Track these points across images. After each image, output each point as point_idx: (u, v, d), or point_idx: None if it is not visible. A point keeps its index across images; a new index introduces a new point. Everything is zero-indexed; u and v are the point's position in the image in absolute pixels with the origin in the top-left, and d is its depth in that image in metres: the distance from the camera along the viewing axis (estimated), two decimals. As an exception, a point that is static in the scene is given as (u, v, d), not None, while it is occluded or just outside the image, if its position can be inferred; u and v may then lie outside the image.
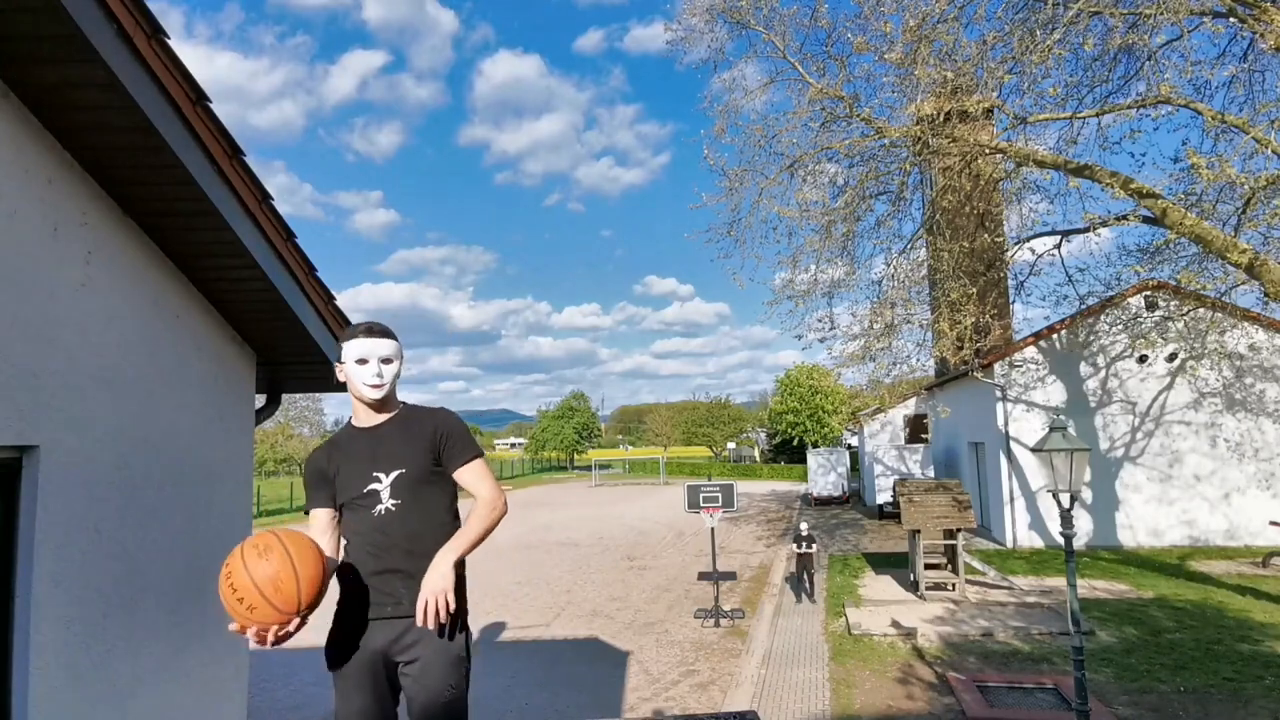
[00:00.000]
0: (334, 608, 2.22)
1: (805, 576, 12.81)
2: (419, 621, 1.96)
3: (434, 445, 2.22)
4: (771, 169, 13.39)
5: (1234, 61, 11.23)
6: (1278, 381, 16.04)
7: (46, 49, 2.12)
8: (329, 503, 2.22)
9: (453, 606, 1.99)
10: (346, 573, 2.19)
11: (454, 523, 2.26)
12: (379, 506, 2.16)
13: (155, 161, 2.53)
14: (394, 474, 2.17)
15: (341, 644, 2.16)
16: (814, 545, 13.00)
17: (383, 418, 2.26)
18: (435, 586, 1.99)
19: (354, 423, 2.29)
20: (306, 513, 2.27)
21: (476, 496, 2.25)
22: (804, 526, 13.14)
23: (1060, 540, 6.46)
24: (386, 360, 2.21)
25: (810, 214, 13.35)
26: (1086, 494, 16.15)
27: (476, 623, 11.68)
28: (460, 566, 2.16)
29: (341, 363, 2.23)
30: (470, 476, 2.25)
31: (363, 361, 2.19)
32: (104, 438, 2.70)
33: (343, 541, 2.25)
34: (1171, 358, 16.17)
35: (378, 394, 2.19)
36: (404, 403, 2.34)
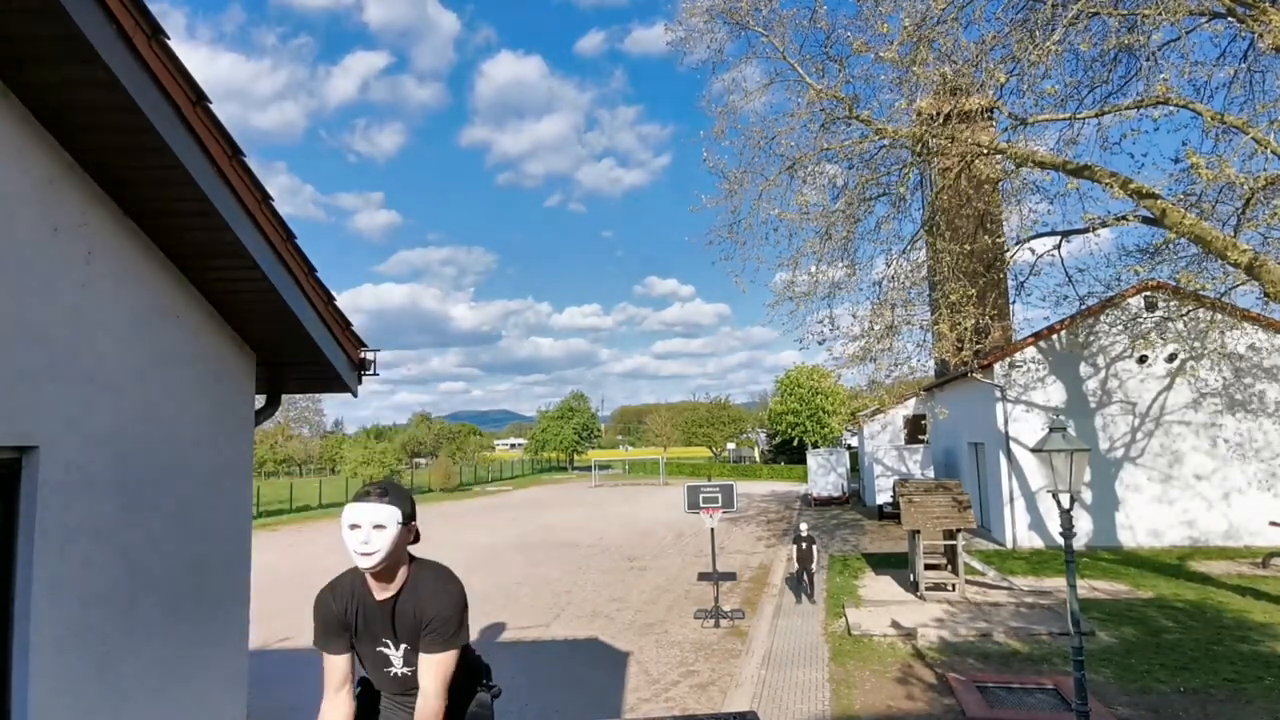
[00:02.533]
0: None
1: (805, 577, 12.81)
2: None
3: (422, 628, 2.18)
4: (771, 170, 13.41)
5: (1234, 61, 11.26)
6: (1278, 381, 16.04)
7: (46, 49, 2.12)
8: (344, 647, 2.23)
9: None
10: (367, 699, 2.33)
11: (465, 674, 2.31)
12: (393, 670, 2.24)
13: (155, 162, 2.53)
14: (404, 647, 2.22)
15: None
16: (814, 545, 13.00)
17: (392, 590, 2.19)
18: None
19: (368, 581, 2.21)
20: (317, 646, 2.26)
21: (421, 693, 2.15)
22: (804, 527, 13.13)
23: (1060, 540, 6.46)
24: (378, 526, 2.08)
25: (810, 216, 13.37)
26: (1086, 494, 16.15)
27: (477, 623, 11.68)
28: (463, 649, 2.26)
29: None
30: (426, 667, 2.16)
31: (355, 527, 2.09)
32: (104, 438, 2.70)
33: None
34: (1171, 358, 16.17)
35: (368, 562, 2.07)
36: (416, 561, 2.27)
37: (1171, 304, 15.44)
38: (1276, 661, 8.40)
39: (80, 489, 2.57)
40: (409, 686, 2.24)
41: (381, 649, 2.22)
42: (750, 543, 20.47)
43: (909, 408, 26.55)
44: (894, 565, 14.88)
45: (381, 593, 2.19)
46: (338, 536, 2.32)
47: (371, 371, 4.37)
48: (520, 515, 30.07)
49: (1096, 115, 10.74)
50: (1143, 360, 16.47)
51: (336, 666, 2.21)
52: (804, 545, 12.77)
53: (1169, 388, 16.39)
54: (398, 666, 2.23)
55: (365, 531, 2.07)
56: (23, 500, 2.37)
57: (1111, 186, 10.19)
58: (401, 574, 2.20)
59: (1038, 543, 16.63)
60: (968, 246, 13.51)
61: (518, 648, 10.69)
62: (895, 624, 10.56)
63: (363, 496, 2.15)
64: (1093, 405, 16.72)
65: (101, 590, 2.67)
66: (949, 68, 10.56)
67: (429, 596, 2.20)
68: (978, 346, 14.36)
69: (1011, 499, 16.98)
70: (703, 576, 14.68)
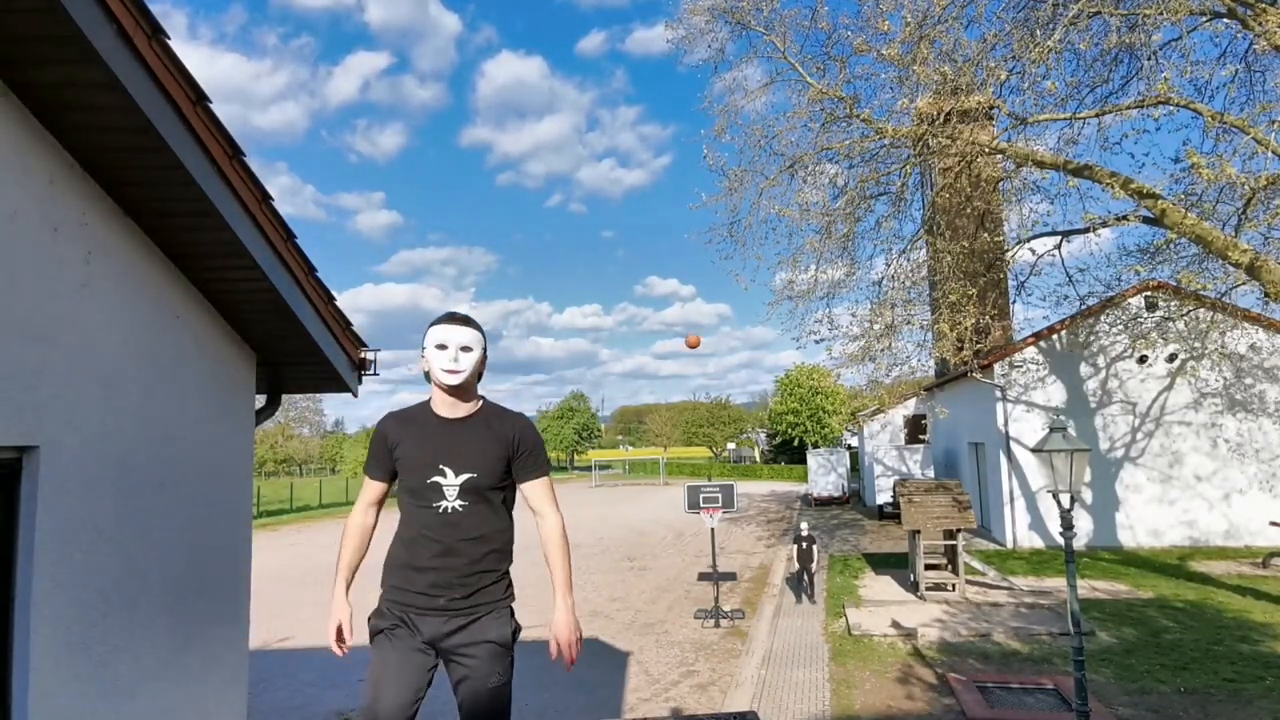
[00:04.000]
0: (377, 584, 2.29)
1: (805, 577, 12.81)
2: (565, 663, 2.26)
3: (509, 453, 2.24)
4: (771, 169, 13.41)
5: (1234, 61, 11.24)
6: (1278, 382, 16.03)
7: (46, 49, 2.12)
8: (385, 476, 2.28)
9: (581, 650, 2.23)
10: (401, 556, 2.22)
11: (512, 526, 2.29)
12: (444, 504, 2.16)
13: (155, 162, 2.53)
14: (464, 476, 2.17)
15: (389, 617, 2.19)
16: (814, 545, 13.00)
17: (463, 412, 2.25)
18: (570, 635, 2.28)
19: (434, 408, 2.27)
20: (366, 471, 2.35)
21: (540, 516, 2.31)
22: (804, 527, 13.13)
23: (1060, 540, 6.46)
24: (465, 348, 2.20)
25: (810, 214, 13.37)
26: (1086, 494, 16.15)
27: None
28: (509, 566, 2.33)
29: (424, 350, 2.23)
30: (537, 493, 2.29)
31: (442, 347, 2.19)
32: (104, 438, 2.70)
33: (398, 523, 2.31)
34: (1172, 358, 16.17)
35: (454, 379, 2.17)
36: (484, 399, 2.33)
37: (1172, 304, 15.42)
38: (1276, 662, 8.40)
39: (80, 489, 2.57)
40: (453, 528, 2.16)
41: (436, 478, 2.16)
42: (750, 543, 20.47)
43: (909, 408, 26.56)
44: (894, 565, 14.88)
45: (454, 412, 2.24)
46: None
47: (372, 371, 4.37)
48: (519, 515, 30.01)
49: (1097, 115, 10.73)
50: (1143, 360, 16.47)
51: (376, 488, 2.30)
52: (804, 545, 12.77)
53: (1169, 388, 16.39)
54: (450, 499, 2.16)
55: (453, 351, 2.17)
56: (23, 500, 2.37)
57: (1112, 186, 10.18)
58: (475, 400, 2.29)
59: (1038, 543, 16.63)
60: (968, 246, 13.51)
61: (518, 647, 10.68)
62: (895, 624, 10.56)
63: (448, 320, 2.23)
64: (1093, 405, 16.72)
65: (101, 590, 2.67)
66: (949, 67, 10.56)
67: (514, 418, 2.31)
68: (978, 346, 14.35)
69: (1011, 499, 16.98)
70: (703, 576, 14.68)
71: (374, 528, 2.34)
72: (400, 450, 2.22)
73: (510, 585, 2.34)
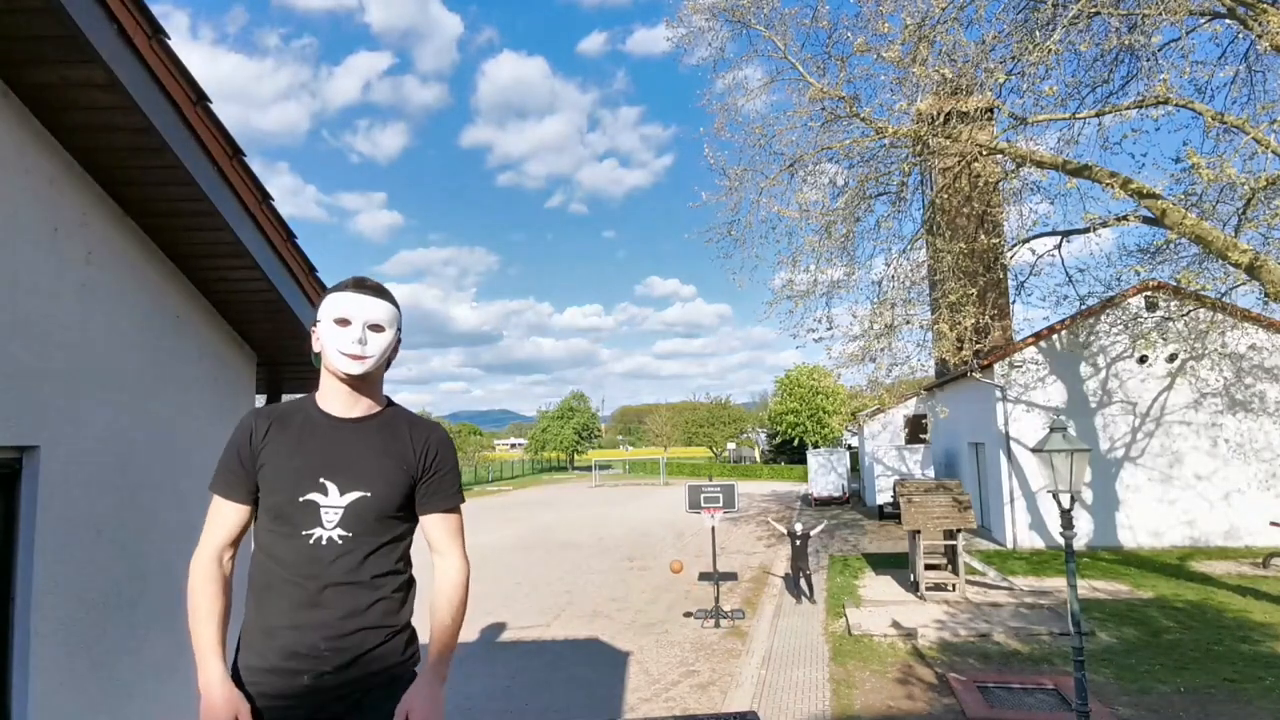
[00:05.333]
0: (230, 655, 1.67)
1: (801, 575, 12.75)
2: None
3: (416, 469, 1.69)
4: (771, 169, 13.41)
5: (1234, 61, 11.25)
6: (1278, 381, 16.03)
7: (47, 49, 2.12)
8: (247, 496, 1.65)
9: None
10: (250, 615, 1.63)
11: (408, 570, 1.71)
12: (319, 532, 1.58)
13: (155, 162, 2.53)
14: (351, 495, 1.60)
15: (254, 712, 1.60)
16: (809, 543, 12.90)
17: (361, 410, 1.70)
18: (427, 714, 1.56)
19: (320, 404, 1.71)
20: (213, 489, 1.68)
21: (441, 556, 1.74)
22: (798, 526, 13.11)
23: (1060, 540, 6.46)
24: (375, 327, 1.66)
25: (810, 214, 13.37)
26: (1086, 494, 16.14)
27: (477, 623, 11.68)
28: (409, 619, 1.72)
29: (317, 324, 1.68)
30: (442, 531, 1.73)
31: (343, 323, 1.63)
32: (104, 438, 2.70)
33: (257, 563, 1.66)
34: (1172, 358, 16.17)
35: (358, 367, 1.63)
36: (390, 400, 1.80)
37: (1172, 304, 15.43)
38: (1277, 661, 8.40)
39: (80, 489, 2.57)
40: (324, 567, 1.56)
41: (313, 495, 1.57)
42: (750, 542, 20.47)
43: (909, 408, 26.56)
44: (894, 565, 14.87)
45: (350, 409, 1.69)
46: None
47: (372, 371, 4.36)
48: (520, 515, 30.06)
49: (1097, 115, 10.73)
50: (1143, 360, 16.46)
51: (233, 517, 1.65)
52: (798, 543, 12.74)
53: (1169, 388, 16.39)
54: (327, 526, 1.56)
55: (358, 329, 1.63)
56: (23, 500, 2.37)
57: (1112, 186, 10.19)
58: (381, 396, 1.76)
59: (1038, 543, 16.63)
60: (967, 246, 13.51)
61: (518, 648, 10.69)
62: (895, 624, 10.56)
63: (355, 287, 1.67)
64: (1093, 405, 16.72)
65: (102, 590, 2.67)
66: (949, 68, 10.56)
67: (428, 426, 1.75)
68: (978, 346, 14.36)
69: (1011, 499, 16.98)
70: (703, 576, 14.68)
71: (231, 575, 1.68)
72: (267, 455, 1.63)
73: (413, 644, 1.71)
